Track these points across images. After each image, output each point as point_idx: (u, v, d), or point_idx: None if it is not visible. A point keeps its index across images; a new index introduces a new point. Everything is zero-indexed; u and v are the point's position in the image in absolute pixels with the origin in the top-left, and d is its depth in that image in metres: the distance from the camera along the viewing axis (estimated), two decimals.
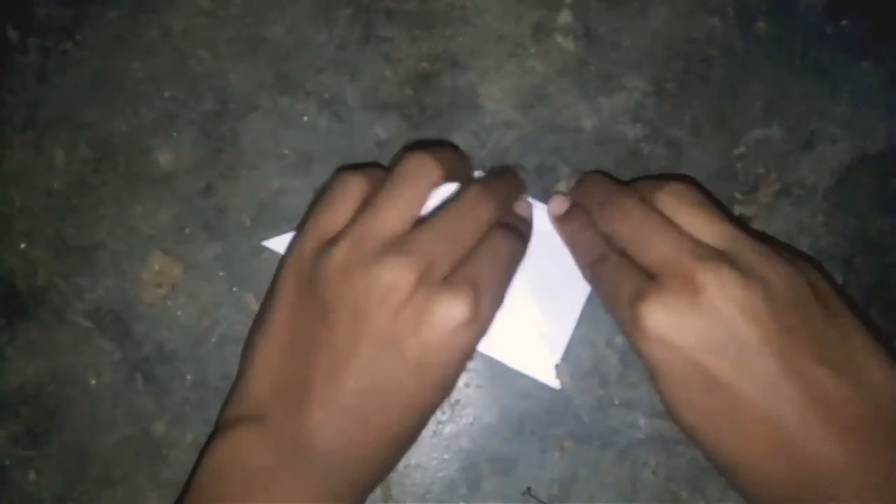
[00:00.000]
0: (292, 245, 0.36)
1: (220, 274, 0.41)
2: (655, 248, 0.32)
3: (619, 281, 0.33)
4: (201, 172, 0.42)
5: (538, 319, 0.39)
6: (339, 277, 0.32)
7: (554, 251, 0.39)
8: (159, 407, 0.40)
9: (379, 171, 0.37)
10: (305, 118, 0.42)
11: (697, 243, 0.32)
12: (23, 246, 0.41)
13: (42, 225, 0.41)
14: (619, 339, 0.40)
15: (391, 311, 0.32)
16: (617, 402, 0.40)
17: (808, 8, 0.41)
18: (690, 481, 0.39)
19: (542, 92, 0.41)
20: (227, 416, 0.34)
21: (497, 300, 0.35)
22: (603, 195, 0.36)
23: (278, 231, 0.41)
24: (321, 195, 0.36)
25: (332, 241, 0.33)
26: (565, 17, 0.42)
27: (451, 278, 0.33)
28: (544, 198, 0.40)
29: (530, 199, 0.40)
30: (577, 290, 0.39)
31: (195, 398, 0.40)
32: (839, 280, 0.40)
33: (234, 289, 0.41)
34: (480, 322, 0.33)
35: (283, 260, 0.36)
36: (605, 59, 0.41)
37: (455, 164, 0.37)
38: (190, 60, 0.42)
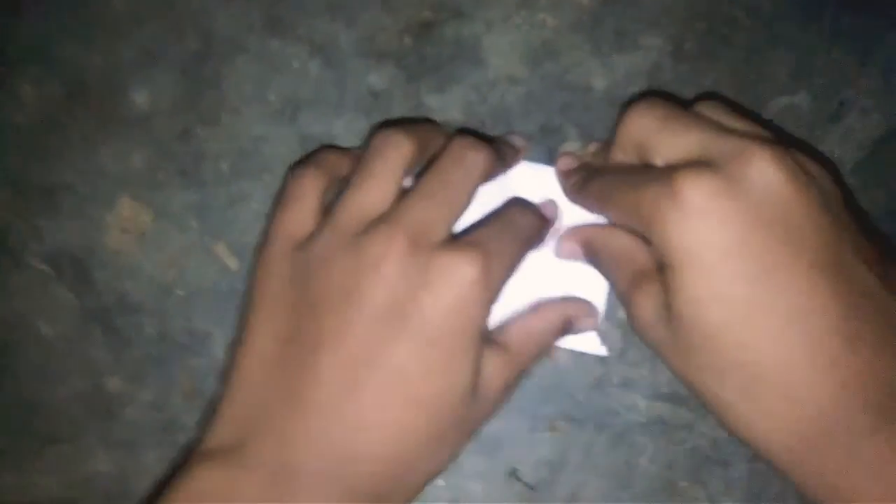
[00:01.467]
0: (261, 254, 0.35)
1: (193, 223, 0.42)
2: (695, 133, 0.31)
3: (641, 181, 0.32)
4: (179, 115, 0.42)
5: (567, 289, 0.39)
6: (323, 267, 0.32)
7: (570, 216, 0.40)
8: (116, 361, 0.41)
9: (335, 156, 0.37)
10: (295, 63, 0.43)
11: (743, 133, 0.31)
12: None
13: (5, 161, 0.42)
14: (621, 314, 0.40)
15: (386, 281, 0.31)
16: (615, 382, 0.40)
17: None
18: (691, 471, 0.39)
19: (552, 47, 0.42)
20: (201, 446, 0.32)
21: (507, 268, 0.34)
22: None
23: (258, 181, 0.42)
24: (278, 198, 0.36)
25: (311, 236, 0.34)
26: None
27: (453, 241, 0.33)
28: (549, 160, 0.41)
29: (535, 164, 0.41)
30: None
31: (156, 354, 0.41)
32: None
33: (207, 239, 0.42)
34: (490, 284, 0.32)
35: (253, 271, 0.35)
36: (621, 15, 0.42)
37: (430, 137, 0.37)
38: None
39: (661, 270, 0.32)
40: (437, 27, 0.43)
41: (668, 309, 0.31)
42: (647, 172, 0.32)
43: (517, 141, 0.40)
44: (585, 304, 0.39)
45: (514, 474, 0.40)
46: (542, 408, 0.40)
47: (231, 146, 0.42)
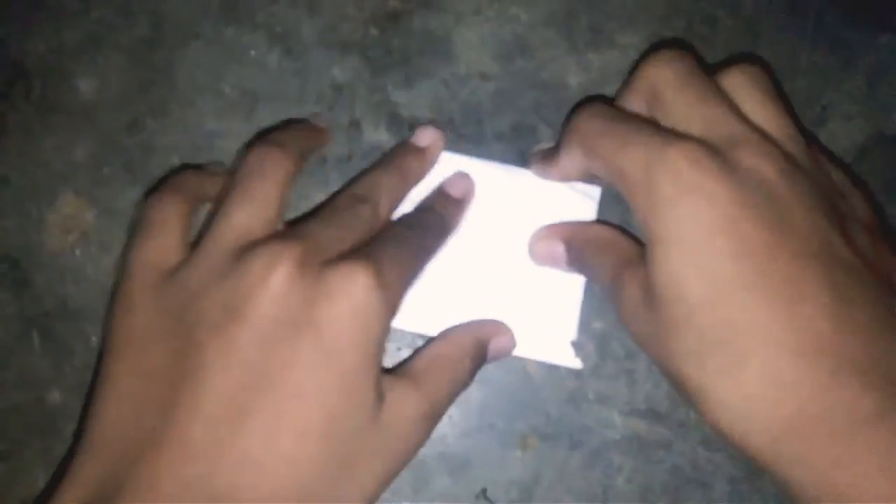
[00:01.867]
0: (117, 291, 0.31)
1: None
2: (708, 108, 0.30)
3: (634, 138, 0.30)
4: (127, 105, 0.39)
5: (539, 297, 0.37)
6: (202, 292, 0.29)
7: (538, 220, 0.37)
8: (57, 371, 0.37)
9: (196, 178, 0.34)
10: (253, 52, 0.40)
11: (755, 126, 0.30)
12: None
13: None
14: (597, 325, 0.38)
15: (275, 294, 0.28)
16: (591, 397, 0.38)
17: None
18: (670, 492, 0.37)
19: (525, 43, 0.40)
20: None
21: (404, 276, 0.31)
22: None
23: None
24: (133, 229, 0.33)
25: (181, 264, 0.30)
26: None
27: (344, 256, 0.30)
28: (521, 161, 0.39)
29: (506, 166, 0.38)
30: None
31: None
32: None
33: None
34: (388, 293, 0.29)
35: (108, 313, 0.31)
36: (597, 11, 0.40)
37: (307, 147, 0.35)
38: None
39: (642, 256, 0.30)
40: (405, 18, 0.40)
41: (649, 291, 0.29)
42: (641, 128, 0.31)
43: (429, 137, 0.38)
44: (497, 324, 0.36)
45: (483, 495, 0.37)
46: (512, 424, 0.38)
47: (182, 140, 0.39)
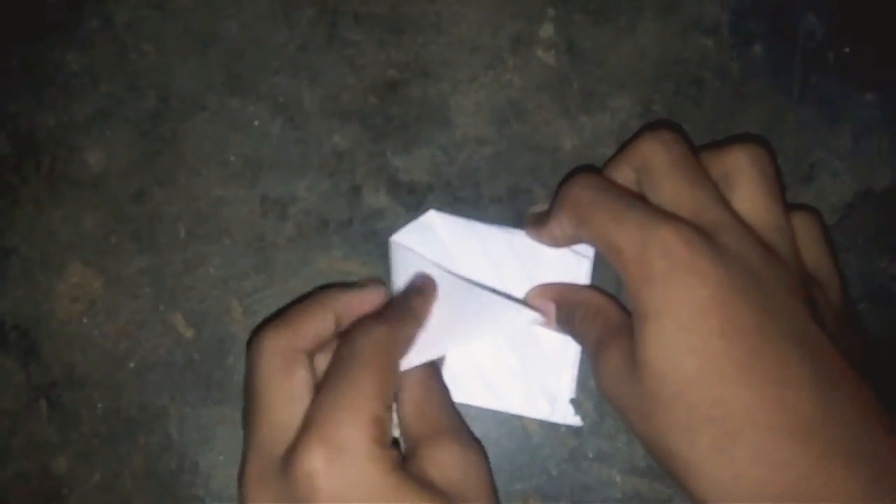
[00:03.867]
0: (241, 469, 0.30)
1: (147, 290, 0.37)
2: (696, 191, 0.29)
3: (626, 214, 0.29)
4: (134, 176, 0.38)
5: (538, 356, 0.35)
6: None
7: (534, 280, 0.36)
8: (64, 439, 0.36)
9: (300, 321, 0.32)
10: (256, 122, 0.39)
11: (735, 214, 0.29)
12: None
13: None
14: (594, 383, 0.36)
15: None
16: (591, 455, 0.36)
17: (808, 34, 0.39)
18: None
19: (520, 108, 0.39)
20: None
21: None
22: None
23: (217, 245, 0.38)
24: (250, 385, 0.30)
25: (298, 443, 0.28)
26: (547, 30, 0.39)
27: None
28: (518, 222, 0.37)
29: (503, 227, 0.37)
30: None
31: (105, 431, 0.36)
32: None
33: (161, 307, 0.37)
34: None
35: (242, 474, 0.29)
36: (588, 76, 0.39)
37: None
38: (132, 54, 0.39)
39: (629, 327, 0.29)
40: (403, 87, 0.39)
41: (637, 363, 0.28)
42: (633, 205, 0.29)
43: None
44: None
45: None
46: (513, 484, 0.36)
47: (188, 208, 0.38)
